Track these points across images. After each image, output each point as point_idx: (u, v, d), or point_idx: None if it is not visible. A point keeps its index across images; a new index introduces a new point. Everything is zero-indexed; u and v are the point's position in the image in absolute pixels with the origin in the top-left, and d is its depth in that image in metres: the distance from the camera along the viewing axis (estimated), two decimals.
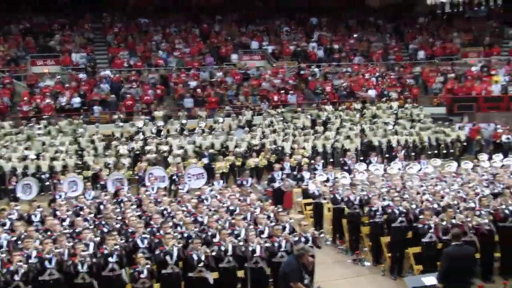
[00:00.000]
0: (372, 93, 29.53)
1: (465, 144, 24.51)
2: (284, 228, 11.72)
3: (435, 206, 13.24)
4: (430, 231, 11.80)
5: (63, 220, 13.34)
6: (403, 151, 21.98)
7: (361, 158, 22.12)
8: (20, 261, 9.97)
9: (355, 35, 36.55)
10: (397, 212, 12.69)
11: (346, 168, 19.47)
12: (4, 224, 13.16)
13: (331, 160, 22.50)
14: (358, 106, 27.98)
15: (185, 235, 11.68)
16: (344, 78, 30.92)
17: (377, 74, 31.79)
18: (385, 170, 18.16)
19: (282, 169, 18.92)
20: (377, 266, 13.39)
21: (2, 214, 13.78)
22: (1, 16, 32.60)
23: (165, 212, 13.66)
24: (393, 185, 15.47)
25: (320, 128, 24.58)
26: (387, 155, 22.76)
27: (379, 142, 23.35)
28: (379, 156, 21.26)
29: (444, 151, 24.03)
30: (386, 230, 13.30)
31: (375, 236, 13.47)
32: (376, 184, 15.50)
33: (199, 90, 27.88)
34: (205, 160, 20.61)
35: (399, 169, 18.31)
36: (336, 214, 14.94)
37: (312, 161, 20.43)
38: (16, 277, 9.76)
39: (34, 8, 33.48)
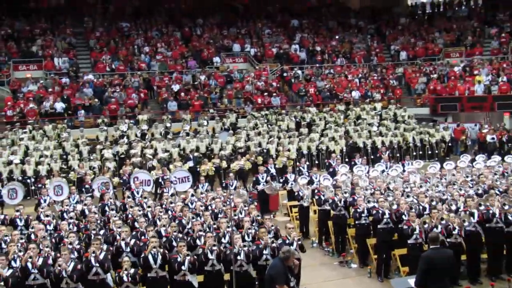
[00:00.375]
0: (355, 94, 29.69)
1: (450, 144, 24.73)
2: (268, 231, 11.74)
3: (420, 207, 13.33)
4: (415, 232, 11.86)
5: (48, 223, 13.28)
6: (387, 152, 22.11)
7: (346, 159, 22.23)
8: (7, 265, 9.91)
9: (336, 37, 36.74)
10: (382, 213, 12.75)
11: (331, 170, 19.55)
12: None
13: (316, 162, 22.61)
14: (342, 107, 28.14)
15: (170, 238, 11.68)
16: (327, 79, 31.05)
17: (360, 75, 32.00)
18: (369, 171, 18.23)
19: (267, 171, 18.96)
20: (363, 268, 13.39)
21: None
22: None
23: (149, 215, 13.65)
24: (377, 186, 15.57)
25: (304, 130, 24.66)
26: (372, 157, 22.91)
27: (364, 143, 23.52)
28: (363, 157, 21.33)
29: (429, 152, 24.23)
30: (372, 231, 13.39)
31: (361, 237, 13.51)
32: (360, 186, 15.56)
33: (182, 94, 27.88)
34: (190, 163, 20.58)
35: (383, 170, 18.40)
36: (321, 216, 15.00)
37: (297, 163, 20.50)
38: (0, 282, 9.70)
39: (15, 14, 33.21)
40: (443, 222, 11.92)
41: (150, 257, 10.39)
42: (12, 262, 10.50)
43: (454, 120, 28.32)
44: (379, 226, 12.77)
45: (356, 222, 13.49)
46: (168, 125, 24.86)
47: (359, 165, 19.24)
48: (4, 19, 32.69)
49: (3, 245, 11.82)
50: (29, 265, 10.14)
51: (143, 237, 11.79)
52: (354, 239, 14.04)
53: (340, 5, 42.14)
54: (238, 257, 10.56)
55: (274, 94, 28.99)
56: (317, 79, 31.03)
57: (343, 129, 25.01)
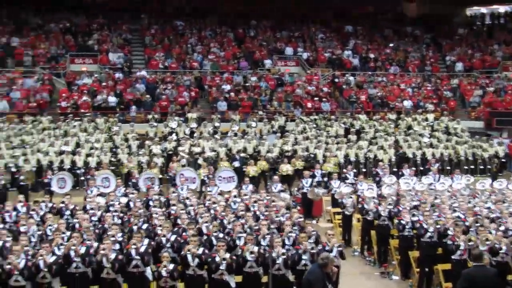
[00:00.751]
0: (407, 104, 29.22)
1: (503, 160, 24.01)
2: (309, 237, 11.65)
3: (466, 223, 12.98)
4: (459, 248, 11.55)
5: (93, 215, 13.52)
6: (437, 165, 21.65)
7: (394, 169, 21.87)
8: (51, 252, 10.13)
9: (391, 45, 36.26)
10: (426, 227, 12.47)
11: (377, 179, 19.28)
12: (35, 216, 13.39)
13: (363, 170, 22.33)
14: (393, 116, 27.71)
15: (211, 237, 11.72)
16: (379, 87, 30.67)
17: (413, 84, 31.48)
18: (416, 183, 17.86)
19: (312, 176, 18.83)
20: (405, 280, 13.19)
21: (35, 206, 14.04)
22: (43, 15, 33.36)
23: (192, 213, 13.72)
24: (423, 199, 15.26)
25: (353, 137, 24.38)
26: (421, 168, 22.45)
27: (414, 154, 23.06)
28: (412, 168, 20.95)
29: (481, 167, 23.57)
30: (416, 244, 13.13)
31: (404, 249, 13.29)
32: (406, 198, 15.25)
33: (232, 94, 27.99)
34: (236, 164, 20.65)
35: (431, 183, 18.00)
36: (364, 225, 14.80)
37: (344, 170, 20.30)
38: (44, 268, 9.92)
39: (74, 8, 34.06)
40: (488, 242, 11.52)
41: (189, 255, 10.43)
42: (56, 250, 10.73)
43: (509, 135, 27.46)
44: (422, 239, 12.52)
45: (400, 233, 13.27)
46: (217, 124, 24.99)
47: (406, 176, 18.90)
48: (64, 14, 33.54)
49: (49, 233, 12.10)
50: (72, 253, 10.35)
51: (184, 234, 11.86)
52: (396, 251, 13.81)
53: (397, 12, 41.58)
54: (277, 261, 10.51)
55: (324, 99, 28.81)
56: (369, 87, 30.68)
57: (393, 138, 24.60)
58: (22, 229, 12.37)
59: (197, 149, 21.92)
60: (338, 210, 16.47)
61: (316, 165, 20.15)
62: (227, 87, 28.75)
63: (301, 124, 25.64)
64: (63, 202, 14.54)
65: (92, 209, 14.04)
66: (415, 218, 13.04)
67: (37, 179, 19.94)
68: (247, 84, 29.67)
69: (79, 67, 29.61)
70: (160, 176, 19.67)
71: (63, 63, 29.69)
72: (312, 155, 22.21)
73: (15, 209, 14.17)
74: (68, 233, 11.75)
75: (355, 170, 20.62)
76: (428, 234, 12.36)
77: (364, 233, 14.91)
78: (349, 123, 26.33)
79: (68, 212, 14.17)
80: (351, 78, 31.62)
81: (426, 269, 12.44)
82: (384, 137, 24.35)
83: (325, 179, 19.31)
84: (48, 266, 10.00)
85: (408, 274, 13.28)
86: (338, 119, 26.69)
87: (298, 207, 15.76)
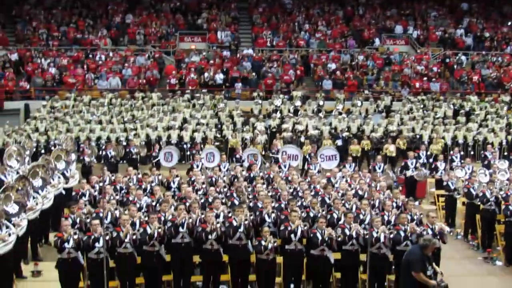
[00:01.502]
0: None
1: None
2: (412, 218, 11.49)
3: None
4: None
5: (198, 189, 13.99)
6: None
7: (505, 154, 20.94)
8: (158, 224, 10.60)
9: (509, 23, 34.37)
10: None
11: (486, 162, 18.54)
12: (145, 189, 14.04)
13: (472, 153, 21.55)
14: (506, 98, 26.39)
15: (311, 214, 11.81)
16: (493, 68, 29.28)
17: None
18: None
19: (417, 157, 18.43)
20: (509, 266, 12.72)
21: (144, 179, 14.70)
22: None
23: (294, 190, 13.86)
24: None
25: (462, 119, 23.54)
26: None
27: None
28: None
29: None
30: None
31: (510, 235, 12.78)
32: None
33: (338, 73, 27.78)
34: (339, 142, 20.58)
35: None
36: (469, 208, 14.35)
37: (451, 152, 19.69)
38: (153, 237, 10.41)
39: None
40: None
41: (290, 230, 10.59)
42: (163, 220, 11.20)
43: None
44: None
45: (507, 219, 12.76)
46: (321, 103, 24.95)
47: None
48: None
49: (157, 204, 12.67)
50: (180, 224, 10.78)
51: (285, 210, 12.03)
52: (502, 236, 13.30)
53: None
54: (379, 240, 10.45)
55: (434, 79, 27.96)
56: (482, 67, 29.36)
57: (505, 121, 23.51)
58: (131, 199, 13.03)
59: (300, 127, 22.05)
60: (442, 192, 16.03)
61: (421, 146, 19.69)
62: (333, 65, 28.55)
63: (408, 104, 25.05)
64: (177, 176, 15.10)
65: (197, 182, 14.49)
66: None
67: (146, 153, 20.84)
68: (353, 63, 29.33)
69: (188, 45, 30.55)
70: (263, 152, 19.98)
71: (173, 41, 30.66)
72: (417, 136, 21.71)
73: (125, 181, 14.87)
74: (175, 204, 12.24)
75: (462, 153, 19.95)
76: None
77: (468, 217, 14.45)
78: (459, 104, 25.41)
79: (175, 185, 14.74)
80: (463, 57, 30.39)
81: None
82: (495, 120, 23.31)
83: (430, 160, 18.83)
84: (157, 235, 10.47)
85: None
86: (447, 100, 25.82)
87: (401, 188, 15.52)
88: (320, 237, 10.46)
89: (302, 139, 20.68)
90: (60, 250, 10.12)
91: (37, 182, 12.97)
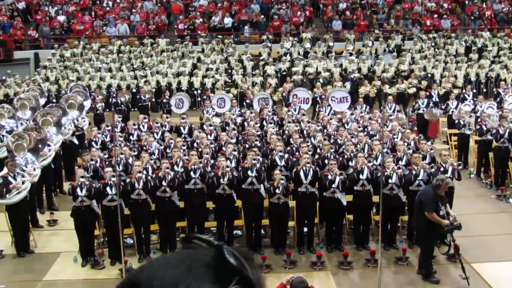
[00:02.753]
0: None
1: None
2: (424, 157, 11.46)
3: None
4: None
5: (209, 133, 14.00)
6: None
7: None
8: (168, 168, 10.64)
9: None
10: None
11: (498, 99, 18.37)
12: (156, 135, 14.08)
13: (484, 90, 21.33)
14: None
15: (322, 156, 11.82)
16: (505, 2, 28.61)
17: None
18: None
19: (429, 96, 18.27)
20: None
21: (155, 124, 14.72)
22: None
23: (305, 132, 13.85)
24: None
25: (474, 56, 23.19)
26: None
27: None
28: None
29: None
30: None
31: None
32: None
33: (348, 13, 27.31)
34: (348, 85, 20.42)
35: None
36: (482, 146, 14.28)
37: (463, 90, 19.50)
38: (164, 183, 10.45)
39: None
40: None
41: (301, 172, 10.61)
42: (175, 166, 11.27)
43: None
44: None
45: None
46: (331, 44, 24.65)
47: None
48: None
49: (168, 150, 12.73)
50: (192, 170, 10.83)
51: (297, 153, 12.04)
52: None
53: None
54: (390, 181, 10.47)
55: (445, 16, 27.43)
56: (494, 1, 28.74)
57: None
58: (142, 146, 13.09)
59: (311, 70, 21.86)
60: (455, 131, 15.92)
61: (433, 85, 19.50)
62: (343, 5, 28.05)
63: (419, 43, 24.69)
64: (183, 119, 15.10)
65: (209, 126, 14.50)
66: None
67: (156, 100, 20.82)
68: (363, 2, 28.79)
69: None
70: (274, 96, 19.90)
71: None
72: (429, 75, 21.48)
73: (136, 127, 14.89)
74: (186, 150, 12.29)
75: (474, 90, 19.75)
76: None
77: (481, 154, 14.41)
78: (471, 41, 25.00)
79: (185, 131, 14.76)
80: None
81: None
82: (508, 56, 22.95)
83: (441, 101, 18.66)
84: (169, 181, 10.53)
85: None
86: (458, 37, 25.39)
87: (415, 128, 15.45)
88: (331, 179, 10.47)
89: (314, 81, 20.50)
90: (74, 198, 10.25)
91: (50, 131, 13.07)
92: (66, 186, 12.88)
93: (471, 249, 10.46)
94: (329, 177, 10.49)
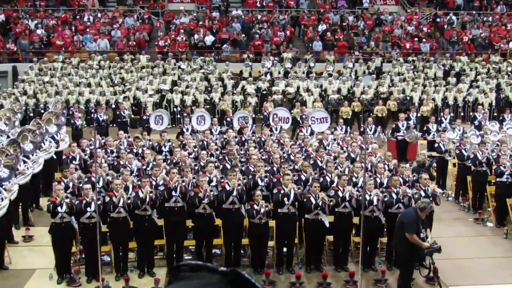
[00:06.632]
0: None
1: None
2: (404, 181, 11.51)
3: None
4: None
5: (190, 153, 13.91)
6: None
7: (495, 114, 21.00)
8: (150, 188, 10.53)
9: None
10: None
11: (476, 123, 18.58)
12: (136, 153, 13.95)
13: (462, 114, 21.61)
14: (496, 58, 26.39)
15: (303, 177, 11.80)
16: (483, 28, 29.15)
17: None
18: None
19: (408, 119, 18.44)
20: (500, 228, 12.82)
21: (135, 142, 14.59)
22: None
23: (285, 153, 13.85)
24: None
25: (452, 80, 23.53)
26: None
27: None
28: None
29: None
30: None
31: (501, 196, 12.87)
32: (507, 144, 14.65)
33: (328, 34, 27.55)
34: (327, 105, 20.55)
35: None
36: (461, 170, 14.43)
37: (441, 114, 19.73)
38: (145, 201, 10.35)
39: None
40: None
41: (283, 193, 10.58)
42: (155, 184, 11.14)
43: None
44: None
45: (498, 179, 12.84)
46: (312, 64, 24.82)
47: (508, 121, 18.11)
48: None
49: (148, 168, 12.61)
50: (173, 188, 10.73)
51: (277, 173, 12.01)
52: (493, 197, 13.43)
53: None
54: (371, 204, 10.48)
55: (424, 40, 27.83)
56: (472, 27, 29.22)
57: (495, 81, 23.52)
58: (122, 163, 12.94)
59: (291, 89, 21.95)
60: (433, 154, 16.09)
61: (412, 108, 19.70)
62: (323, 26, 28.30)
63: (398, 65, 24.97)
64: (169, 140, 14.99)
65: (188, 146, 14.41)
66: None
67: (136, 116, 20.69)
68: (344, 24, 29.08)
69: (177, 6, 30.03)
70: (254, 115, 19.91)
71: (162, 2, 30.18)
72: (408, 98, 21.71)
73: (115, 144, 14.73)
74: (167, 168, 12.18)
75: (452, 114, 19.99)
76: None
77: (460, 178, 14.56)
78: (449, 65, 25.37)
79: (166, 149, 14.65)
80: (454, 17, 30.21)
81: None
82: (485, 80, 23.31)
83: (420, 124, 18.85)
84: (148, 199, 10.42)
85: (503, 221, 12.89)
86: (437, 61, 25.76)
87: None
88: (314, 201, 10.45)
89: (294, 101, 20.58)
90: (53, 214, 10.08)
91: (27, 146, 12.87)
92: (43, 201, 12.68)
93: (450, 272, 10.50)
94: (312, 199, 10.47)
